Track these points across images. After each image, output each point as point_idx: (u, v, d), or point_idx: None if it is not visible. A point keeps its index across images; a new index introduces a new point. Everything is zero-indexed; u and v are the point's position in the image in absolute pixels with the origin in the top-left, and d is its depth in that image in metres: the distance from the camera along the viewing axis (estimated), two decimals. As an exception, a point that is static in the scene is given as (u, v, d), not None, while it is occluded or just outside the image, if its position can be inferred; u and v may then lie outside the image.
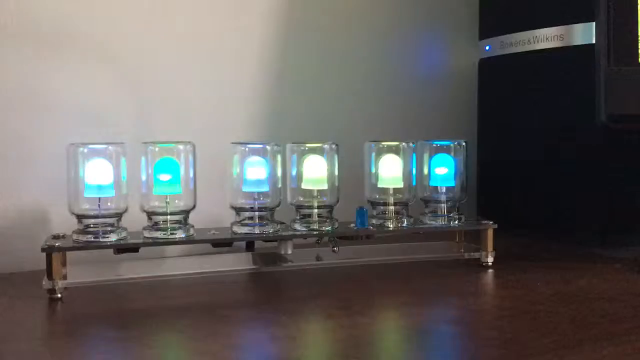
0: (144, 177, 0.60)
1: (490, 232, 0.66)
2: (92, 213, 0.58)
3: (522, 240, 0.78)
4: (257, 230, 0.61)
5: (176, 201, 0.60)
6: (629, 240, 0.75)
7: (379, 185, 0.65)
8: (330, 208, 0.64)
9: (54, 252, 0.56)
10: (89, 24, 0.69)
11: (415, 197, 0.67)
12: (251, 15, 0.78)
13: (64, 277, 0.57)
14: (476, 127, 0.87)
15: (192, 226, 0.60)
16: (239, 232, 0.61)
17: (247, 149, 0.62)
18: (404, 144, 0.66)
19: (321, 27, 0.82)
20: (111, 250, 0.58)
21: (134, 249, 0.58)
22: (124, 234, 0.58)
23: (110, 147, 0.58)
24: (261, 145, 0.62)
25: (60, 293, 0.56)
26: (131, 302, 0.57)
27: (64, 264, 0.57)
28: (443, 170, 0.67)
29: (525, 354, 0.44)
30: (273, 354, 0.45)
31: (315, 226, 0.63)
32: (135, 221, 0.60)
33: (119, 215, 0.58)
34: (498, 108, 0.81)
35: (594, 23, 0.71)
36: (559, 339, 0.47)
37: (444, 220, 0.67)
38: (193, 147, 0.60)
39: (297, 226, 0.63)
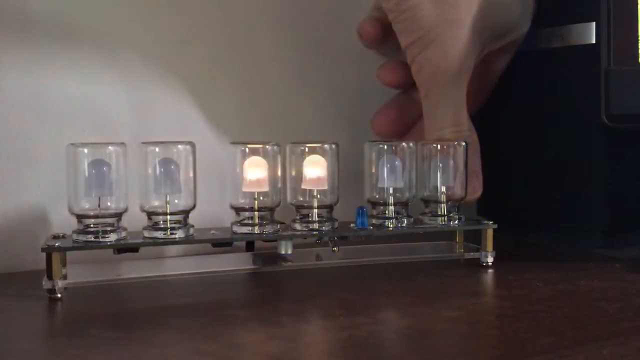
0: (144, 177, 0.60)
1: (490, 232, 0.66)
2: (92, 213, 0.58)
3: (522, 240, 0.78)
4: (257, 230, 0.61)
5: (176, 201, 0.60)
6: (629, 240, 0.75)
7: (379, 185, 0.65)
8: (330, 208, 0.64)
9: (54, 252, 0.56)
10: (89, 23, 0.69)
11: (415, 197, 0.67)
12: (250, 15, 0.78)
13: (64, 277, 0.57)
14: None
15: (192, 226, 0.60)
16: (239, 232, 0.61)
17: (247, 149, 0.62)
18: (403, 144, 0.66)
19: (320, 26, 0.82)
20: (111, 250, 0.58)
21: (134, 249, 0.58)
22: (124, 234, 0.58)
23: (110, 147, 0.58)
24: (261, 145, 0.62)
25: (60, 293, 0.56)
26: (131, 302, 0.57)
27: (64, 264, 0.57)
28: (443, 170, 0.66)
29: (525, 354, 0.44)
30: (273, 354, 0.45)
31: (315, 226, 0.63)
32: (135, 221, 0.60)
33: (119, 215, 0.58)
34: (498, 108, 0.81)
35: (594, 23, 0.71)
36: (559, 339, 0.47)
37: (444, 220, 0.66)
38: (193, 147, 0.60)
39: (297, 226, 0.63)
